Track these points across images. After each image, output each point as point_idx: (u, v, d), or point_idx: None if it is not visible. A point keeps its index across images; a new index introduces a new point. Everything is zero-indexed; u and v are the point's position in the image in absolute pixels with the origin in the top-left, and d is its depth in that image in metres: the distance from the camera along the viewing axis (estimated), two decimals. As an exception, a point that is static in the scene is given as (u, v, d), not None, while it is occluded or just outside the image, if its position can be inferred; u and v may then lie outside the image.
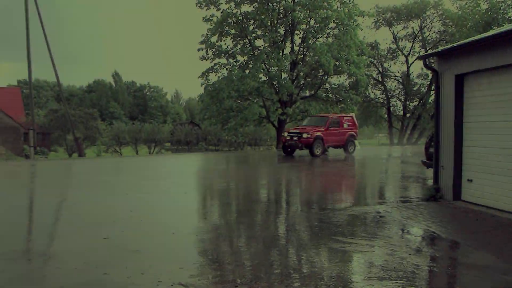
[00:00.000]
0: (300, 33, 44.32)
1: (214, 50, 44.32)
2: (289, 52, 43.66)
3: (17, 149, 54.79)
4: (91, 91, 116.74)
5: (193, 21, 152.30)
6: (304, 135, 27.57)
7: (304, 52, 44.28)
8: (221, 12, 43.39)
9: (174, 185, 16.12)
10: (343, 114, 32.07)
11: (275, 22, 43.29)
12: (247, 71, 42.30)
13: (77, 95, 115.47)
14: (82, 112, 57.59)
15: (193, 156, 34.07)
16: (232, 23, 43.55)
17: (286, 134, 29.39)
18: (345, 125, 29.58)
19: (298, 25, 43.09)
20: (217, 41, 44.35)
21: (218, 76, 44.70)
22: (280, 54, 42.51)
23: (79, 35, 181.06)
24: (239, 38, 44.36)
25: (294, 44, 44.59)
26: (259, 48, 43.83)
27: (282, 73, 43.29)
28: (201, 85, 45.67)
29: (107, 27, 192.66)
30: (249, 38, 43.90)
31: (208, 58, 44.75)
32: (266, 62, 42.05)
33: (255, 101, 44.99)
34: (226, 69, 44.31)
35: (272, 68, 42.29)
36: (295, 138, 28.00)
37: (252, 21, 43.67)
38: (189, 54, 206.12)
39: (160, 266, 6.66)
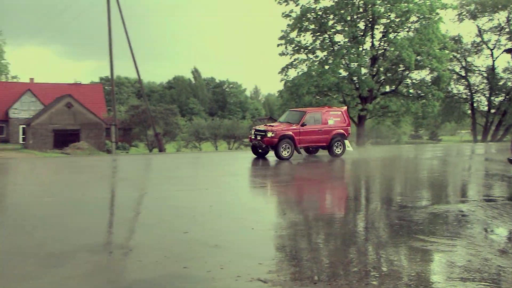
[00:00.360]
0: (380, 27, 43.66)
1: (293, 45, 44.29)
2: (369, 47, 43.07)
3: (99, 144, 56.64)
4: (171, 87, 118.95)
5: (273, 17, 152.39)
6: (269, 134, 22.92)
7: (385, 47, 43.60)
8: (300, 8, 43.32)
9: (253, 180, 16.19)
10: (329, 108, 26.23)
11: (355, 16, 42.81)
12: (326, 67, 42.05)
13: (157, 91, 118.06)
14: (162, 108, 58.90)
15: (272, 151, 34.11)
16: (311, 19, 43.40)
17: (253, 132, 24.77)
18: (330, 122, 24.41)
19: (379, 19, 42.45)
20: (296, 37, 44.31)
21: (297, 72, 44.66)
22: (360, 49, 42.03)
23: (159, 32, 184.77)
24: (318, 34, 44.15)
25: (374, 39, 43.99)
26: (339, 43, 43.53)
27: (362, 68, 42.78)
28: (281, 81, 45.79)
29: (187, 24, 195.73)
30: (328, 33, 43.66)
31: (287, 54, 44.81)
32: (346, 58, 41.64)
33: (334, 97, 44.71)
34: (306, 65, 44.16)
35: (352, 63, 41.82)
36: (258, 138, 23.71)
37: (331, 16, 43.37)
38: (269, 50, 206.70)
39: (239, 261, 6.71)
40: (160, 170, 20.90)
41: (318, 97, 44.72)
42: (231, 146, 52.70)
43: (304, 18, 43.24)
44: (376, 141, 58.16)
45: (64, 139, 57.33)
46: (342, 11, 41.86)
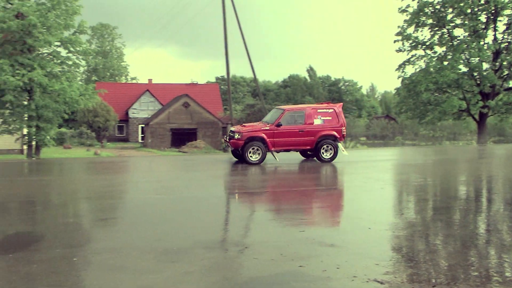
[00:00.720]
0: (503, 19, 41.75)
1: (410, 41, 43.34)
2: (492, 41, 41.35)
3: (216, 142, 57.82)
4: (286, 86, 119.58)
5: (389, 12, 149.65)
6: (236, 136, 20.93)
7: (509, 40, 41.68)
8: (417, 2, 42.32)
9: (369, 179, 15.99)
10: (318, 106, 22.90)
11: (476, 9, 41.19)
12: (445, 63, 40.82)
13: (273, 90, 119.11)
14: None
15: (389, 150, 33.61)
16: (428, 13, 42.28)
17: (228, 132, 22.85)
18: (317, 121, 21.31)
19: (502, 10, 40.60)
20: (413, 32, 43.34)
21: (415, 69, 43.69)
22: (482, 43, 40.45)
23: (274, 31, 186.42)
24: (436, 28, 42.94)
25: (497, 32, 42.16)
26: (458, 38, 42.10)
27: (484, 63, 41.16)
28: (398, 78, 45.00)
29: (301, 22, 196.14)
30: (447, 27, 42.35)
31: (404, 50, 43.90)
32: (466, 52, 40.23)
33: (454, 93, 43.28)
34: (424, 61, 43.11)
35: (473, 58, 40.34)
36: (227, 140, 22.08)
37: (450, 10, 42.04)
38: (385, 47, 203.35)
39: (355, 261, 6.65)
40: (273, 168, 21.01)
41: (436, 94, 43.55)
42: (347, 144, 52.21)
43: (421, 13, 42.21)
44: (498, 139, 55.80)
45: (181, 138, 59.09)
46: (462, 4, 40.45)
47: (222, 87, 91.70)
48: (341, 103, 23.09)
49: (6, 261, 6.71)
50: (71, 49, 29.45)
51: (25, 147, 31.86)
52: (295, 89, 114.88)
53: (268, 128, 20.95)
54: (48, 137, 29.19)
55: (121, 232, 8.82)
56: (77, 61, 30.75)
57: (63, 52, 29.93)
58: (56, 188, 15.37)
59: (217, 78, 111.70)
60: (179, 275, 6.16)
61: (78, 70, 32.88)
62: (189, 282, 5.93)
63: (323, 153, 21.14)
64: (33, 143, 29.89)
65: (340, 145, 21.49)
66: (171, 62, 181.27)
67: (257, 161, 20.40)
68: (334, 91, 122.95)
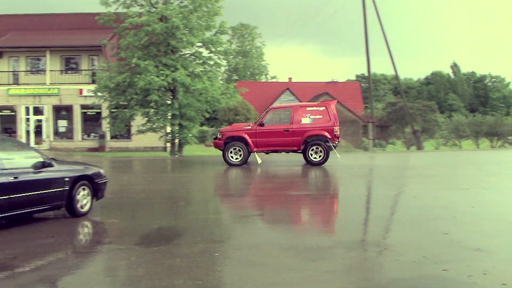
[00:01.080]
0: None
1: None
2: None
3: (356, 141, 57.21)
4: (428, 83, 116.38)
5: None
6: (218, 135, 20.48)
7: None
8: None
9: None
10: (308, 104, 21.91)
11: None
12: None
13: (415, 88, 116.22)
14: (420, 104, 57.59)
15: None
16: None
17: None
18: (305, 120, 19.68)
19: None
20: None
21: None
22: None
23: (416, 27, 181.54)
24: None
25: None
26: None
27: None
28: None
29: (445, 17, 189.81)
30: None
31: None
32: None
33: None
34: None
35: None
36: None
37: None
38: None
39: (504, 267, 6.22)
40: (418, 168, 20.43)
41: None
42: (494, 144, 49.82)
43: None
44: None
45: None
46: None
47: (362, 85, 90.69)
48: (335, 100, 21.70)
49: (151, 254, 6.97)
50: (213, 49, 30.25)
51: (168, 144, 33.11)
52: (438, 86, 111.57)
53: (250, 127, 20.16)
54: (190, 135, 30.14)
55: (262, 229, 8.93)
56: (218, 61, 31.52)
57: (205, 53, 30.83)
58: (197, 184, 15.86)
59: (357, 76, 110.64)
60: (319, 273, 6.08)
61: (219, 69, 33.70)
62: (330, 281, 5.83)
63: (311, 154, 19.58)
64: (176, 141, 30.95)
65: (332, 146, 19.69)
66: (310, 60, 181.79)
67: (238, 162, 19.71)
68: (479, 88, 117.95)
